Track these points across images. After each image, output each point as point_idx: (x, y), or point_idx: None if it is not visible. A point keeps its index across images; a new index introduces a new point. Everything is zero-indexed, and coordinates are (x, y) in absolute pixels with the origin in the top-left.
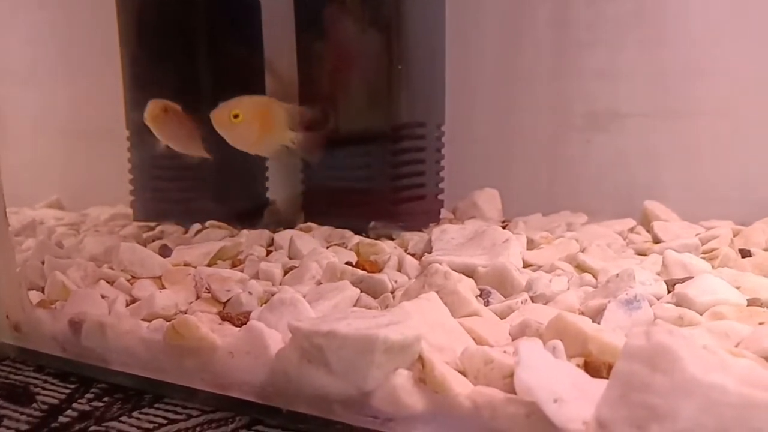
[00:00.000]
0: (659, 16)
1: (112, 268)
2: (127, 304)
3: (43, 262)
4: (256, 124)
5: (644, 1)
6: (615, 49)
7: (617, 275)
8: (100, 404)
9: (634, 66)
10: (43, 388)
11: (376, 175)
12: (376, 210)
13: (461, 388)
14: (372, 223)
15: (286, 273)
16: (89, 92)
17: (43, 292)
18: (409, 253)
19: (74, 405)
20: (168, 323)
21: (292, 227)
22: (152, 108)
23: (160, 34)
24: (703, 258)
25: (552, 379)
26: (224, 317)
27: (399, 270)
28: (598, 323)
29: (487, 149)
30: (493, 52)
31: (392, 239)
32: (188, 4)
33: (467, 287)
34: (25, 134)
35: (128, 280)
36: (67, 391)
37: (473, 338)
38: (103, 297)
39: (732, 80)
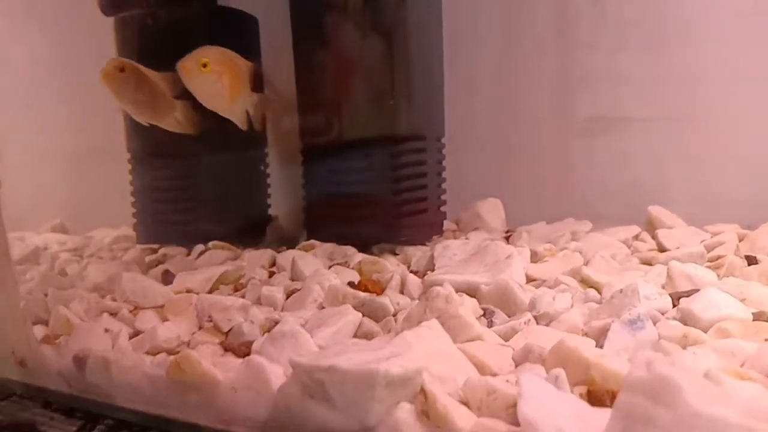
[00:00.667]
0: (662, 19)
1: (115, 299)
2: (131, 337)
3: (46, 294)
4: (225, 77)
5: (646, 6)
6: (617, 54)
7: (621, 291)
8: None
9: (637, 70)
10: (50, 426)
11: (377, 189)
12: (378, 224)
13: (464, 421)
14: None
15: (288, 296)
16: (92, 114)
17: (47, 325)
18: (411, 271)
19: None
20: (171, 358)
21: (295, 244)
22: (107, 65)
23: (157, 53)
24: (709, 266)
25: (554, 411)
26: (227, 348)
27: (402, 290)
28: (602, 345)
29: (490, 158)
30: (492, 59)
31: (395, 254)
32: (186, 22)
33: (469, 310)
34: (28, 157)
35: (131, 311)
36: (73, 428)
37: (476, 365)
38: (106, 330)
39: (736, 83)
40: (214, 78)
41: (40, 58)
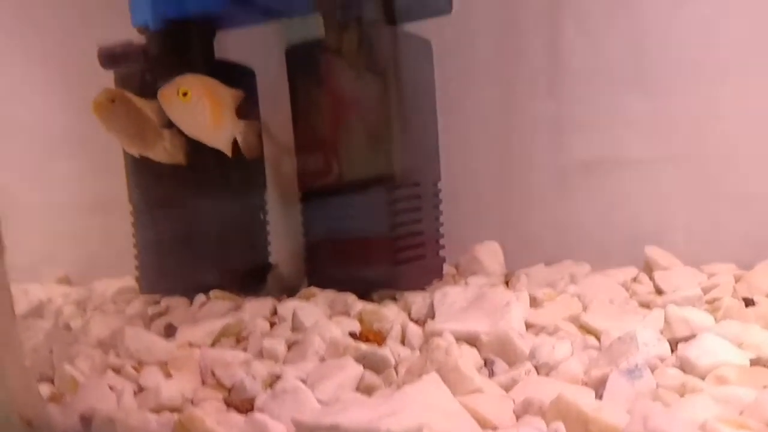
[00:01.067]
0: (661, 60)
1: (119, 355)
2: (135, 394)
3: (51, 351)
4: (207, 104)
5: (646, 46)
6: (613, 95)
7: (620, 338)
8: None
9: (633, 111)
10: None
11: (374, 237)
12: (377, 272)
13: None
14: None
15: (290, 347)
16: (95, 168)
17: (53, 383)
18: (412, 319)
19: None
20: (176, 416)
21: (296, 291)
22: (99, 96)
23: None
24: (707, 309)
25: None
26: (230, 404)
27: (402, 340)
28: (602, 395)
29: (487, 200)
30: (487, 103)
31: (395, 300)
32: None
33: (469, 362)
34: (33, 211)
35: (135, 368)
36: None
37: (477, 420)
38: (111, 388)
39: (731, 122)
40: (195, 106)
41: (44, 114)
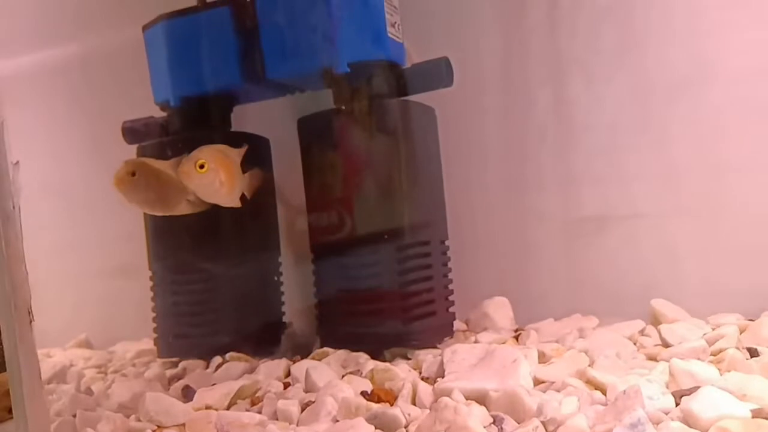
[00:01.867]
0: (667, 111)
1: (140, 419)
2: None
3: (74, 415)
4: (221, 171)
5: (652, 98)
6: (617, 152)
7: (625, 392)
8: None
9: (638, 167)
10: None
11: (385, 295)
12: (388, 330)
13: None
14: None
15: (303, 408)
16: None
17: None
18: (423, 378)
19: None
20: None
21: (309, 351)
22: (120, 171)
23: None
24: (712, 361)
25: None
26: None
27: (413, 399)
28: None
29: (496, 256)
30: (494, 161)
31: (408, 358)
32: None
33: (478, 420)
34: (55, 276)
35: (155, 431)
36: None
37: None
38: None
39: (740, 176)
40: (212, 176)
41: (67, 180)
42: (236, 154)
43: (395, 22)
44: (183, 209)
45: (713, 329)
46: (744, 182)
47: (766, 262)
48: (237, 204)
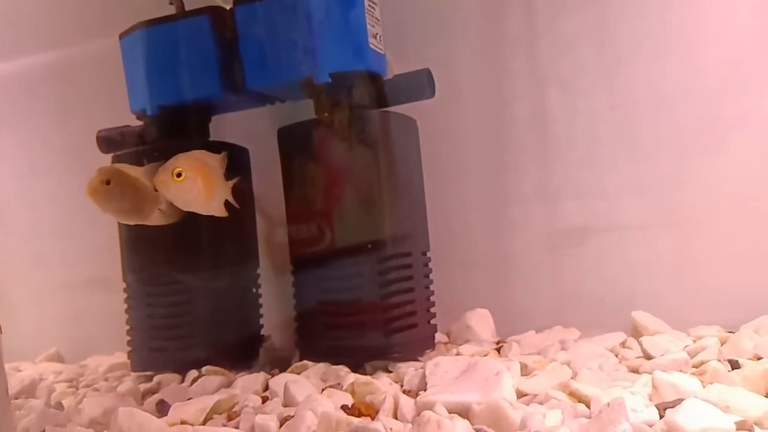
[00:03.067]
0: (647, 124)
1: None
2: None
3: (44, 431)
4: (199, 179)
5: (632, 110)
6: (597, 165)
7: (609, 405)
8: None
9: (618, 180)
10: None
11: (366, 309)
12: (369, 344)
13: None
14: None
15: (282, 423)
16: (91, 245)
17: None
18: (404, 391)
19: None
20: None
21: (288, 365)
22: (94, 180)
23: None
24: (694, 373)
25: None
26: None
27: (395, 412)
28: None
29: (477, 268)
30: (475, 174)
31: (389, 371)
32: None
33: None
34: (25, 289)
35: None
36: None
37: None
38: None
39: (720, 188)
40: (189, 184)
41: (38, 192)
42: (216, 161)
43: (377, 34)
44: (156, 219)
45: (694, 341)
46: (724, 194)
47: (745, 274)
48: (222, 212)
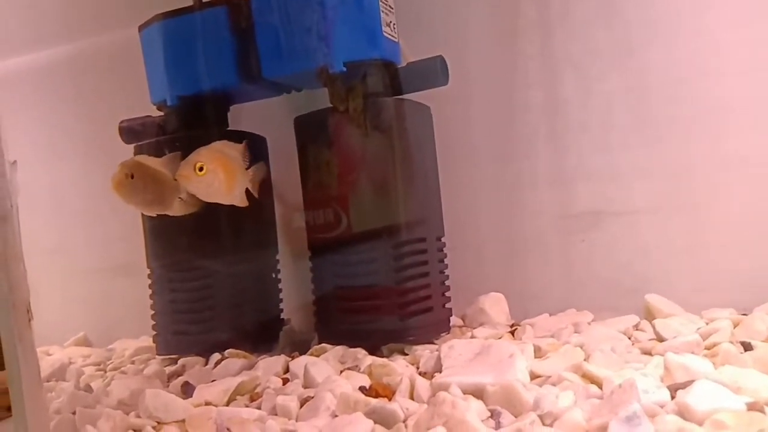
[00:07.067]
0: (660, 108)
1: (139, 416)
2: None
3: (74, 413)
4: (220, 172)
5: (645, 95)
6: (611, 150)
7: (620, 386)
8: None
9: (632, 164)
10: None
11: (382, 291)
12: (385, 327)
13: None
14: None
15: (302, 404)
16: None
17: None
18: (420, 372)
19: None
20: None
21: (307, 348)
22: (117, 174)
23: None
24: (706, 355)
25: None
26: None
27: (411, 393)
28: None
29: (491, 253)
30: (489, 158)
31: (405, 354)
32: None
33: (475, 414)
34: (54, 272)
35: (154, 428)
36: None
37: None
38: None
39: (734, 172)
40: (211, 177)
41: (67, 179)
42: (237, 150)
43: (390, 22)
44: (177, 209)
45: (707, 324)
46: (738, 178)
47: (758, 257)
48: (243, 202)
